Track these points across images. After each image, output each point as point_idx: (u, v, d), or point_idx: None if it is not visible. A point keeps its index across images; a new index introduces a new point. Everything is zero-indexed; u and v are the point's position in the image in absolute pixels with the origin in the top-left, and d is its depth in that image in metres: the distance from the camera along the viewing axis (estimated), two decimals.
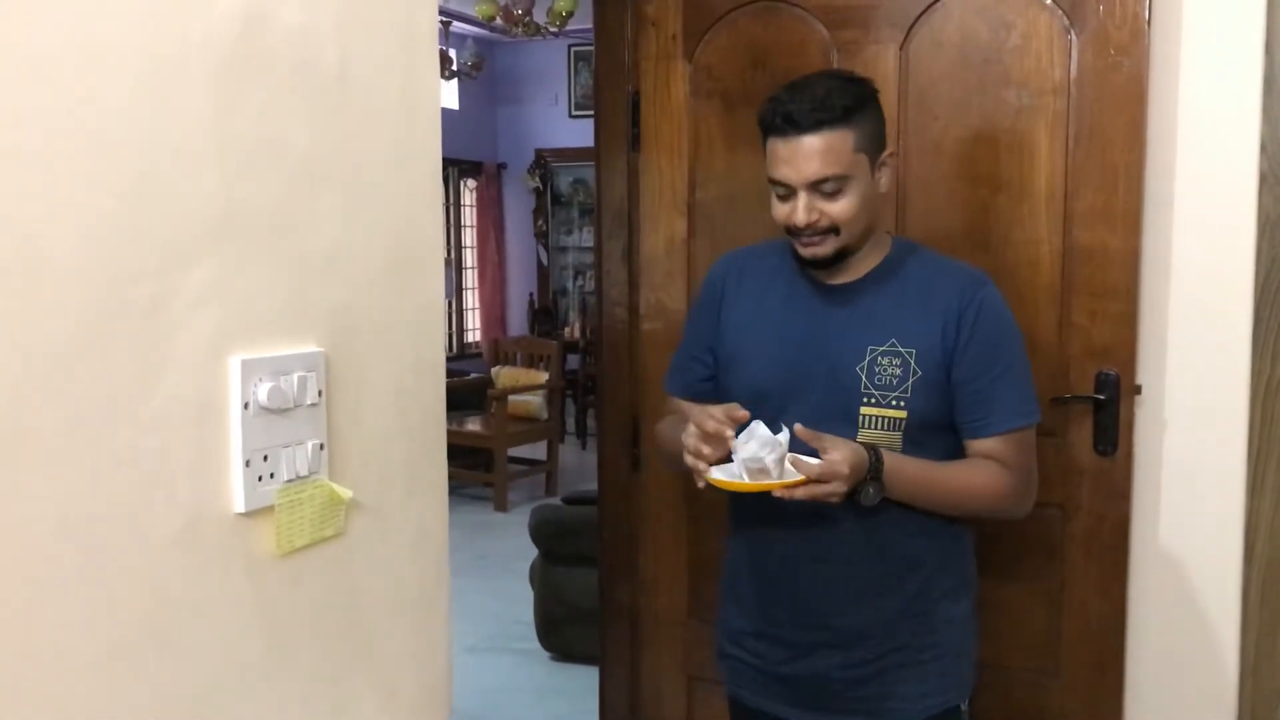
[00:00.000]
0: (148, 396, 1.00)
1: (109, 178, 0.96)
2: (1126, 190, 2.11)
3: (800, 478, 1.61)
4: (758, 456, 1.60)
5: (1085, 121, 2.13)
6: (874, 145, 1.73)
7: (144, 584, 1.01)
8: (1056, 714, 2.26)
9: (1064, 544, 2.23)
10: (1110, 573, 2.20)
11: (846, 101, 1.68)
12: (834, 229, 1.71)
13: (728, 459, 1.66)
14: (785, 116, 1.68)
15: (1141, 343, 2.16)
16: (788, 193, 1.72)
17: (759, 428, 1.62)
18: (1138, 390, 2.17)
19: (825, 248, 1.73)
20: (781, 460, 1.61)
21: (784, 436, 1.62)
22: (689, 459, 1.67)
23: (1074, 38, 2.13)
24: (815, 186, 1.69)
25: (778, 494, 1.61)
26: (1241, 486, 2.17)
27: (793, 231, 1.74)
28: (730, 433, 1.63)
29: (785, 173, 1.70)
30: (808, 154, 1.67)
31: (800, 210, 1.70)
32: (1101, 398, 2.15)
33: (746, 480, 1.62)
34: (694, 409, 1.73)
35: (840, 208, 1.70)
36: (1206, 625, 2.22)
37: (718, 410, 1.66)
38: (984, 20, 2.20)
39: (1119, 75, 2.10)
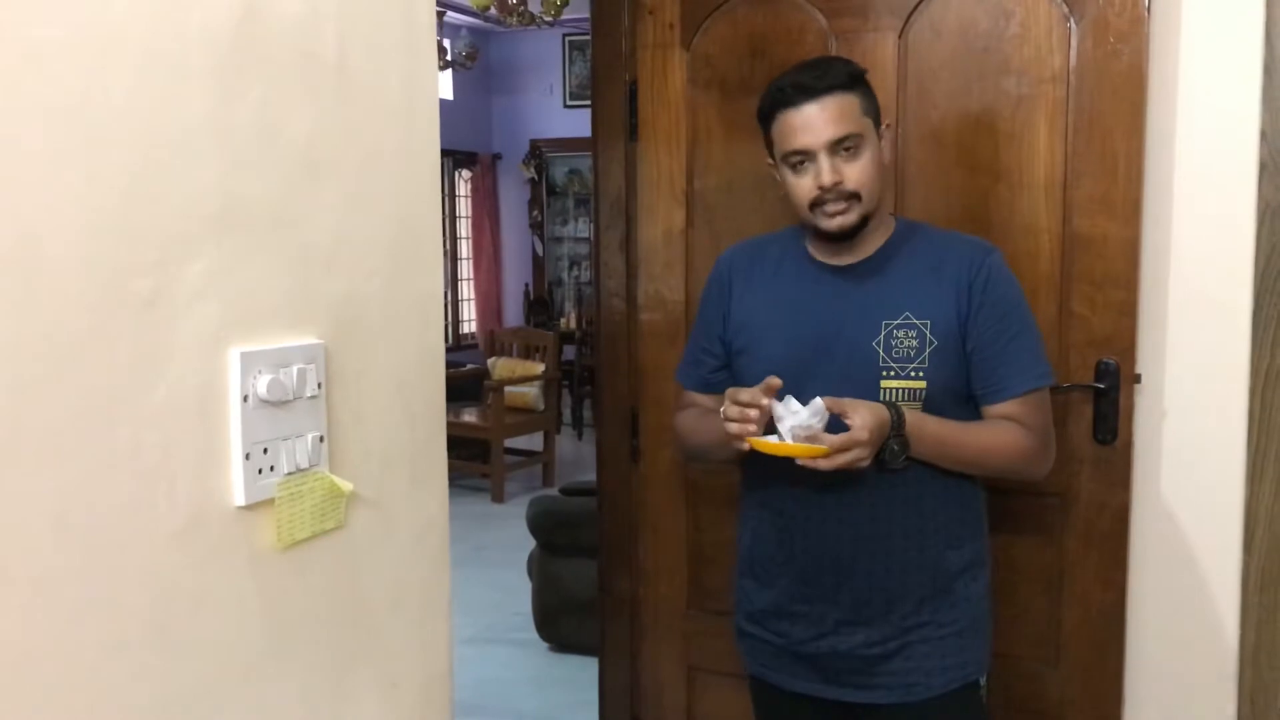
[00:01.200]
0: (148, 390, 1.00)
1: (108, 171, 0.95)
2: (1126, 178, 2.11)
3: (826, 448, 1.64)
4: (808, 424, 1.64)
5: (1085, 110, 2.12)
6: (876, 113, 1.81)
7: (145, 579, 1.01)
8: (1057, 702, 2.26)
9: (1064, 533, 2.23)
10: (1110, 561, 2.20)
11: (849, 69, 1.78)
12: (855, 195, 1.76)
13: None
14: (795, 86, 1.74)
15: (1141, 331, 2.16)
16: (806, 159, 1.75)
17: (792, 401, 1.67)
18: (1137, 379, 2.16)
19: (850, 215, 1.77)
20: (824, 429, 1.66)
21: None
22: (734, 427, 1.70)
23: (1073, 25, 2.12)
24: (835, 147, 1.74)
25: (805, 463, 1.64)
26: (1241, 475, 2.17)
27: (817, 202, 1.77)
28: (765, 401, 1.67)
29: (804, 140, 1.74)
30: (825, 117, 1.73)
31: (825, 172, 1.74)
32: (1101, 386, 2.15)
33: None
34: (728, 390, 1.76)
35: (859, 169, 1.75)
36: (1206, 613, 2.22)
37: (748, 389, 1.71)
38: (983, 8, 2.19)
39: (1119, 63, 2.09)
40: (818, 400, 1.66)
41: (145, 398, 1.00)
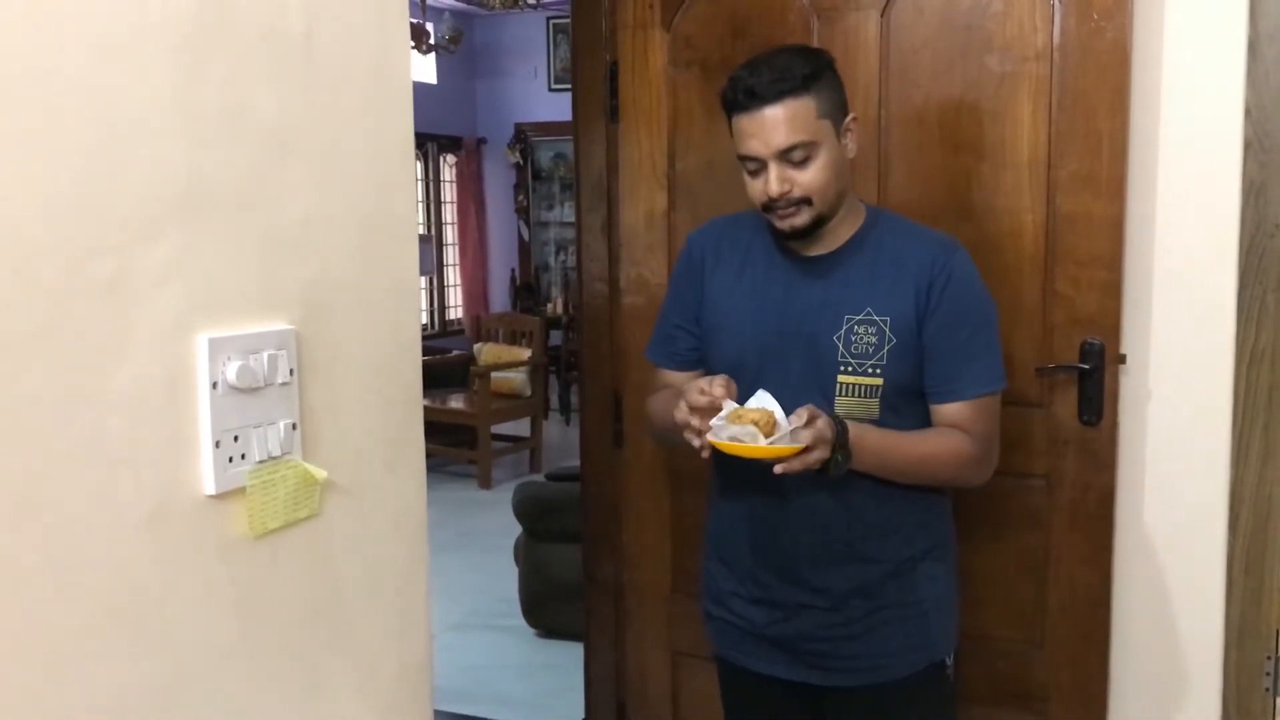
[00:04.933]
0: (111, 376, 0.98)
1: (68, 151, 0.93)
2: (1110, 157, 2.09)
3: (786, 444, 1.61)
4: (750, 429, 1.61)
5: (1068, 87, 2.11)
6: (836, 111, 1.75)
7: (112, 569, 0.99)
8: (1042, 684, 2.26)
9: (1049, 514, 2.22)
10: (1095, 542, 2.19)
11: (806, 70, 1.70)
12: (806, 199, 1.73)
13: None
14: (747, 91, 1.70)
15: (1126, 311, 2.15)
16: (759, 166, 1.73)
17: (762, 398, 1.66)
18: (1122, 359, 2.15)
19: (801, 218, 1.75)
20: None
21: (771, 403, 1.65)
22: (687, 434, 1.67)
23: (1056, 2, 2.10)
24: (784, 156, 1.71)
25: (779, 469, 1.61)
26: (1226, 455, 2.16)
27: (768, 207, 1.76)
28: (727, 403, 1.64)
29: (753, 146, 1.72)
30: (773, 124, 1.69)
31: (773, 181, 1.72)
32: (1086, 367, 2.14)
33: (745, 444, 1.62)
34: (687, 386, 1.71)
35: (810, 176, 1.72)
36: (1191, 595, 2.22)
37: (707, 385, 1.66)
38: None
39: (1102, 40, 2.08)
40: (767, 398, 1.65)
41: (109, 384, 0.97)
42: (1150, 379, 2.19)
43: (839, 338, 1.76)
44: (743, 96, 1.70)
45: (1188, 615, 2.22)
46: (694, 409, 1.66)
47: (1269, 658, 2.19)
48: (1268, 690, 2.20)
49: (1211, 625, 2.21)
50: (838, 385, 1.75)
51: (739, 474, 1.86)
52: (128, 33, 0.98)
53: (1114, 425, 2.16)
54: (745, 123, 1.72)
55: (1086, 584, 2.21)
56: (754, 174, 1.75)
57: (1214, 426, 2.16)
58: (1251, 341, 2.13)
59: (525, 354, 7.30)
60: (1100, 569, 2.20)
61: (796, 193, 1.72)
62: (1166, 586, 2.23)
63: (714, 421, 1.64)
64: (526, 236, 10.06)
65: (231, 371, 1.09)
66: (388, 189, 1.32)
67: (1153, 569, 2.23)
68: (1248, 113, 2.08)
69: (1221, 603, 2.20)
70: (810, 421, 1.61)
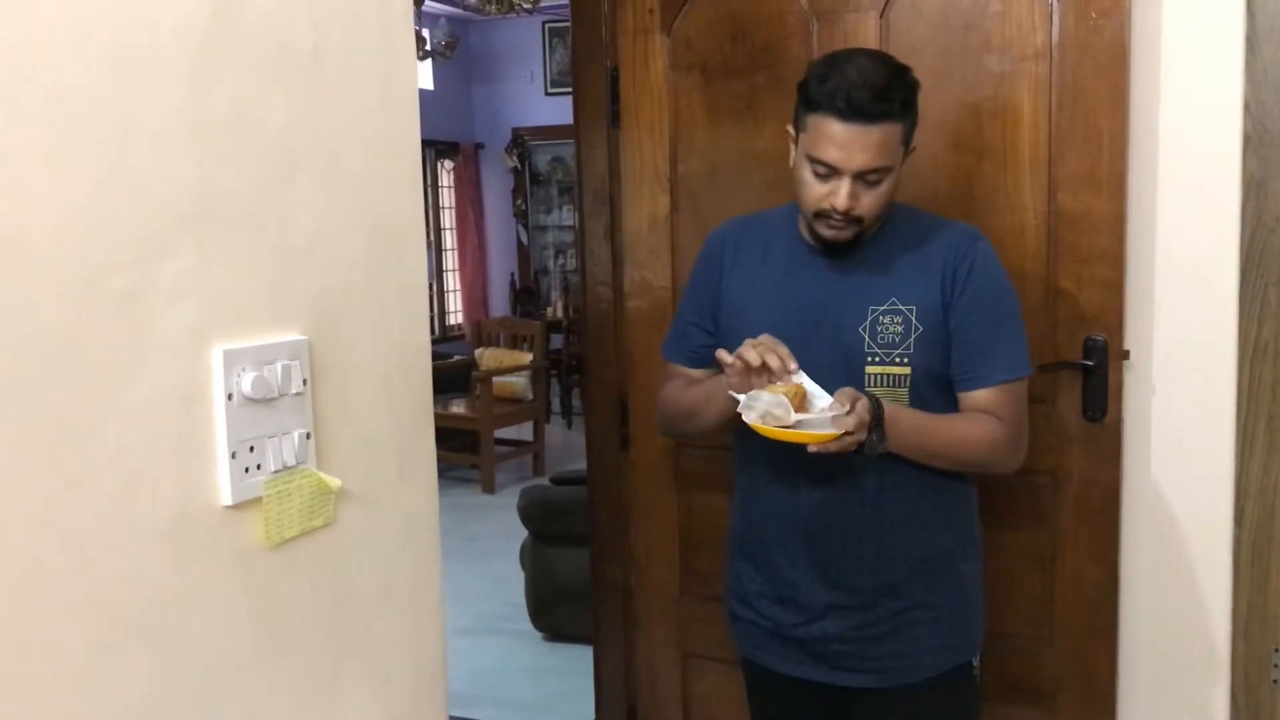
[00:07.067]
0: (129, 389, 0.98)
1: (81, 167, 0.94)
2: (1110, 154, 2.10)
3: (828, 428, 1.61)
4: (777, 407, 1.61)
5: (1068, 86, 2.12)
6: (910, 139, 1.76)
7: (131, 579, 1.00)
8: (1051, 679, 2.27)
9: (1055, 510, 2.23)
10: (1102, 538, 2.20)
11: (904, 95, 1.70)
12: (859, 219, 1.73)
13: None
14: (849, 101, 1.65)
15: (1128, 307, 2.16)
16: (829, 173, 1.71)
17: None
18: (1126, 355, 2.16)
19: (847, 233, 1.76)
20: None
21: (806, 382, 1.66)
22: (733, 379, 1.67)
23: (1055, 1, 2.11)
24: (862, 175, 1.69)
25: (813, 449, 1.61)
26: (1230, 449, 2.17)
27: (822, 214, 1.74)
28: (794, 365, 1.65)
29: (835, 156, 1.69)
30: (865, 144, 1.67)
31: (843, 196, 1.70)
32: (1090, 364, 2.15)
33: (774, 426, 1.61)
34: (748, 342, 1.70)
35: (874, 199, 1.72)
36: (1198, 588, 2.22)
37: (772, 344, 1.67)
38: None
39: (1101, 38, 2.08)
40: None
41: (127, 397, 0.98)
42: (1154, 374, 2.20)
43: (865, 329, 1.76)
44: (842, 104, 1.65)
45: (1195, 608, 2.23)
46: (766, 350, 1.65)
47: (1277, 649, 2.20)
48: (1276, 682, 2.20)
49: (1219, 618, 2.21)
50: (866, 376, 1.76)
51: (761, 472, 1.88)
52: (138, 48, 0.99)
53: (1118, 421, 2.17)
54: (835, 130, 1.67)
55: (1094, 579, 2.22)
56: (821, 178, 1.72)
57: (1218, 420, 2.17)
58: (1254, 335, 2.13)
59: (527, 358, 7.32)
60: (1107, 564, 2.21)
61: (858, 211, 1.71)
62: (1173, 580, 2.24)
63: (742, 400, 1.63)
64: (525, 240, 10.08)
65: (246, 382, 1.10)
66: (395, 198, 1.33)
67: (1159, 563, 2.24)
68: (1246, 108, 2.09)
69: (1228, 595, 2.20)
70: (852, 406, 1.62)
